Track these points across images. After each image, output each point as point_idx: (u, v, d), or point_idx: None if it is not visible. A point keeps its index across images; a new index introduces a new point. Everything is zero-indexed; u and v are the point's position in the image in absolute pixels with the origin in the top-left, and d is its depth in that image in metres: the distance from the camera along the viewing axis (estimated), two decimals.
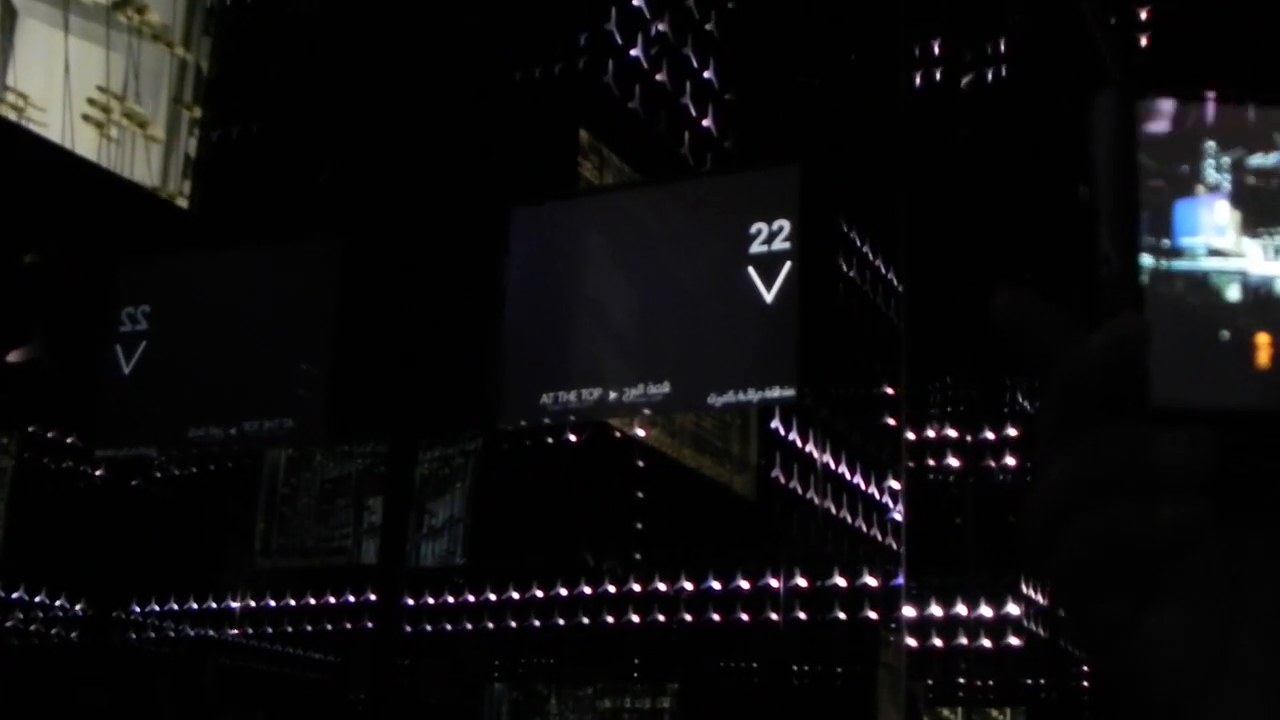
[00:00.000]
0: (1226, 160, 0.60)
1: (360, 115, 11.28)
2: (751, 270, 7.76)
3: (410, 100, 10.82)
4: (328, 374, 8.79)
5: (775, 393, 7.70)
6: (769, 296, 7.70)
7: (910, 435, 12.35)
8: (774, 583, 12.60)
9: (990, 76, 12.14)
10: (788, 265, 7.72)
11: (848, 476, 12.55)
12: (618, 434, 11.23)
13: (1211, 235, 0.59)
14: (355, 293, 9.15)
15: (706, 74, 11.28)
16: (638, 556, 13.45)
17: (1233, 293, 0.59)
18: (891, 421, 12.18)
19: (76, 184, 9.85)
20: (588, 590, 13.33)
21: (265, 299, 8.75)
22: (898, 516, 11.98)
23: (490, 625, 15.17)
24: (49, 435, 12.38)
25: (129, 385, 8.86)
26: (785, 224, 7.74)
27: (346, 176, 11.35)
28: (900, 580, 11.63)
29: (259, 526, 13.00)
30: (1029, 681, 13.59)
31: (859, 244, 12.13)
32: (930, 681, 13.07)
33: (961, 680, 12.74)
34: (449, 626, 14.80)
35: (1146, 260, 0.59)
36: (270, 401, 8.57)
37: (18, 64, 8.25)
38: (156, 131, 9.17)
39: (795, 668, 13.41)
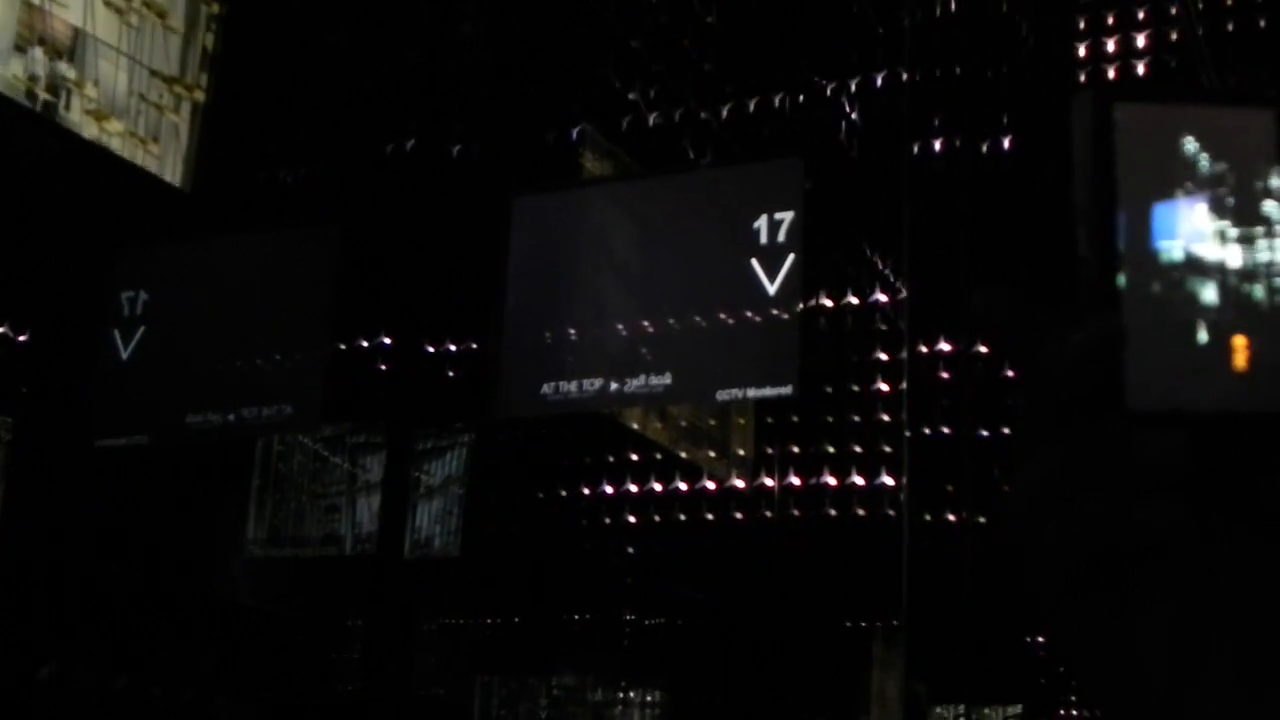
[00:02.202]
0: (1206, 164, 0.60)
1: (361, 102, 11.27)
2: (754, 262, 7.76)
3: (411, 87, 10.80)
4: (326, 360, 8.79)
5: (777, 386, 7.70)
6: (772, 289, 7.70)
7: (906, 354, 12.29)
8: (769, 481, 12.65)
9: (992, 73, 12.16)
10: (791, 258, 7.72)
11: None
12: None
13: (1190, 238, 0.59)
14: (354, 279, 9.14)
15: (708, 65, 11.29)
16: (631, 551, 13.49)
17: (1210, 295, 0.59)
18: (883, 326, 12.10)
19: (77, 166, 9.83)
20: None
21: (264, 284, 8.74)
22: (886, 417, 11.93)
23: (482, 614, 15.22)
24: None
25: (127, 371, 8.84)
26: (788, 216, 7.75)
27: (346, 162, 11.34)
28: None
29: (254, 483, 13.13)
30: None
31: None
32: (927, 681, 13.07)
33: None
34: (442, 616, 14.83)
35: (1124, 259, 0.59)
36: (269, 388, 8.56)
37: None
38: (175, 22, 9.22)
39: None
